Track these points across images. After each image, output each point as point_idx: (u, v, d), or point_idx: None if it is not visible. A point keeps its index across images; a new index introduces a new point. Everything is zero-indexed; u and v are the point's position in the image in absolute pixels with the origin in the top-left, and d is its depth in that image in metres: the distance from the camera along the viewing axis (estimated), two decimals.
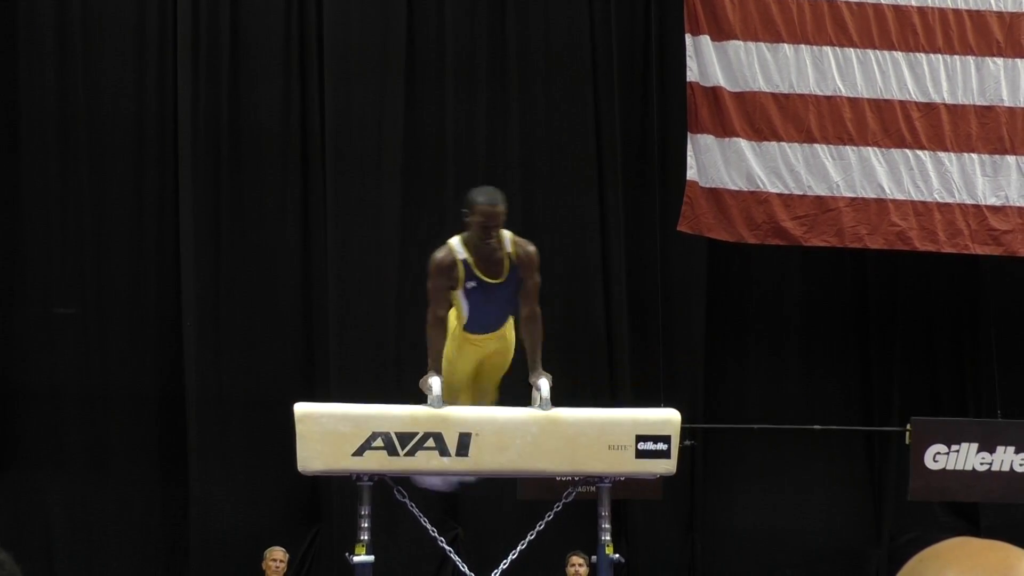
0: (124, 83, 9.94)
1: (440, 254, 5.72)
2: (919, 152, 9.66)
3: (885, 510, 10.65)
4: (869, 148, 9.62)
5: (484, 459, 5.17)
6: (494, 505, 9.72)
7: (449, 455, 5.10)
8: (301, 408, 5.13)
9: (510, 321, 5.88)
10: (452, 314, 5.77)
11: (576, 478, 5.70)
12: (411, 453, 5.07)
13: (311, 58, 10.11)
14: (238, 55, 10.07)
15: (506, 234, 5.71)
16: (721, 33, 9.58)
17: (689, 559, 10.42)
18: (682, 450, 5.79)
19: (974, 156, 9.71)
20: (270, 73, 10.12)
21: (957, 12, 9.79)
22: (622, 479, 5.65)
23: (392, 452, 5.06)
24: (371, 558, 5.24)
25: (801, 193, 9.57)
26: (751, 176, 9.53)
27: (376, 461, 5.07)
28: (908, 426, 9.83)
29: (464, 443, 5.10)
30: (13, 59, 9.79)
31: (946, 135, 9.69)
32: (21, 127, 9.80)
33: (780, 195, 9.56)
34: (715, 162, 9.53)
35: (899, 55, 9.70)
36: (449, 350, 5.68)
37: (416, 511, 5.42)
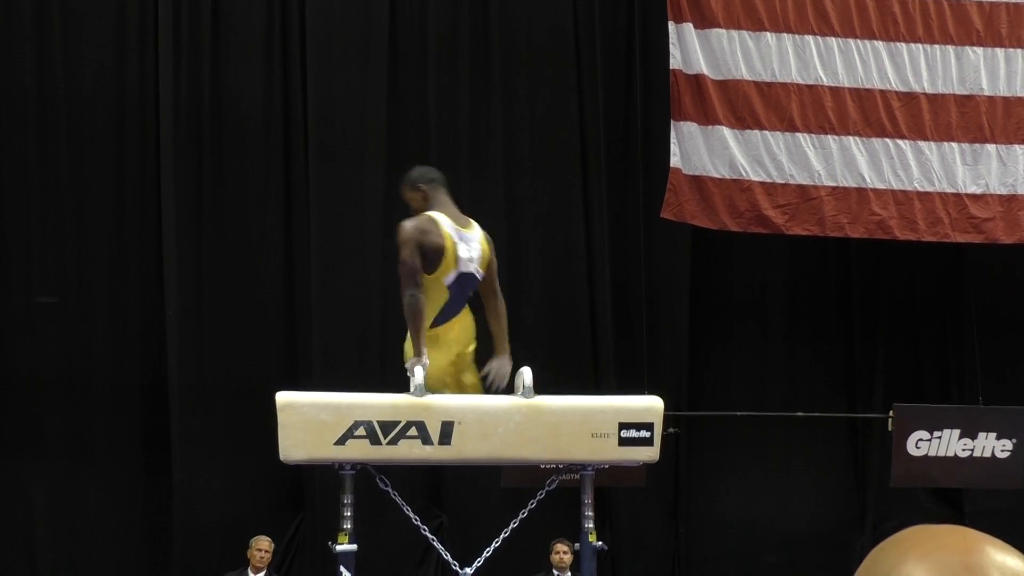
0: (104, 69, 9.89)
1: None
2: (899, 141, 9.69)
3: (869, 497, 10.70)
4: (850, 137, 9.65)
5: (467, 447, 5.16)
6: (478, 493, 9.73)
7: (432, 443, 5.10)
8: (282, 397, 5.11)
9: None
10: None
11: (559, 466, 5.70)
12: (393, 442, 5.06)
13: (293, 44, 10.08)
14: (219, 40, 10.04)
15: None
16: (704, 21, 9.59)
17: (673, 546, 10.45)
18: (665, 438, 5.79)
19: (954, 145, 9.75)
20: (252, 59, 10.09)
21: (937, 2, 9.81)
22: (605, 467, 5.65)
23: (374, 441, 5.04)
24: (354, 547, 5.23)
25: (783, 182, 9.60)
26: (734, 164, 9.56)
27: (358, 450, 5.06)
28: (891, 412, 9.88)
29: (447, 431, 5.09)
30: None
31: (926, 124, 9.72)
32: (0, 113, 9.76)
33: (762, 183, 9.59)
34: (698, 150, 9.55)
35: (880, 44, 9.72)
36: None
37: (399, 500, 5.42)
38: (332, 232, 10.01)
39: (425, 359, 5.28)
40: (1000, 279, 10.78)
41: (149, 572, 9.74)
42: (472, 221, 5.47)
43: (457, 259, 5.34)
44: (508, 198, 10.34)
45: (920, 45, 9.75)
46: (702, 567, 10.45)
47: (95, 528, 9.62)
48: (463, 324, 5.52)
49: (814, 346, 10.85)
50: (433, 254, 5.30)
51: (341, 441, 5.03)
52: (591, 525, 5.49)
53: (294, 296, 10.04)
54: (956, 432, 9.78)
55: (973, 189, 9.75)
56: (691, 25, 9.57)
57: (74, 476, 9.60)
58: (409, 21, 10.33)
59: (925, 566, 1.19)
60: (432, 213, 5.39)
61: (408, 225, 5.31)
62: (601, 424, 5.27)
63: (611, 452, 5.30)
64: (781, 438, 10.58)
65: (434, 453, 5.16)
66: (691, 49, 9.56)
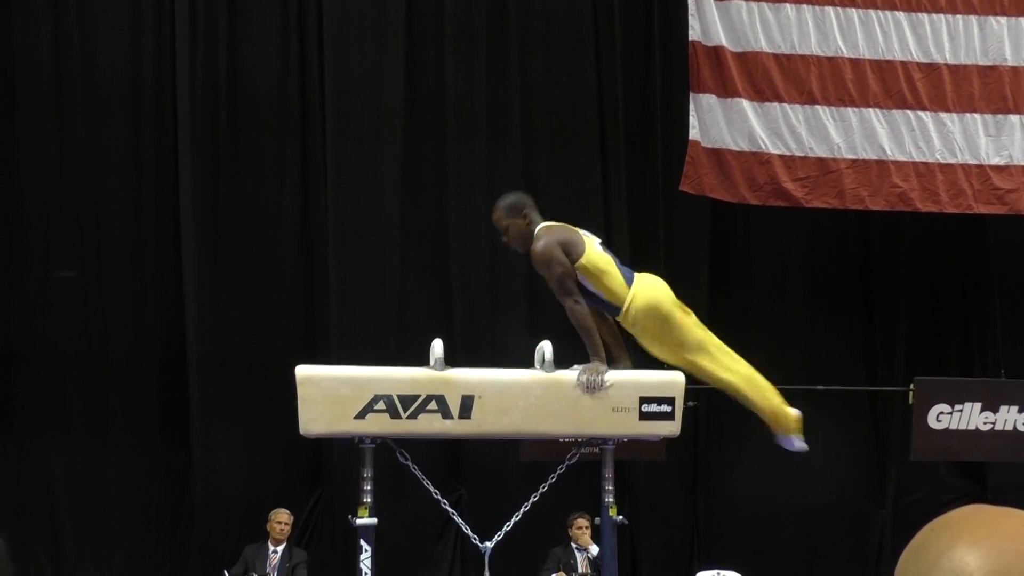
0: (121, 45, 9.88)
1: None
2: (921, 113, 9.61)
3: (890, 471, 10.65)
4: (870, 109, 9.57)
5: (487, 421, 5.16)
6: (498, 466, 9.73)
7: (452, 418, 5.09)
8: (302, 371, 5.12)
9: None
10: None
11: (579, 439, 5.69)
12: (413, 416, 5.05)
13: (310, 20, 10.05)
14: (236, 16, 10.00)
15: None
16: None
17: (692, 520, 10.44)
18: (685, 411, 5.78)
19: (977, 116, 9.66)
20: (269, 34, 10.06)
21: None
22: (626, 440, 5.64)
23: (394, 415, 5.04)
24: (374, 520, 5.24)
25: (803, 154, 9.54)
26: (753, 137, 9.50)
27: (378, 424, 5.06)
28: (911, 386, 9.83)
29: (467, 405, 5.09)
30: (7, 22, 9.73)
31: (948, 95, 9.64)
32: (17, 91, 9.75)
33: (782, 156, 9.53)
34: (717, 122, 9.49)
35: (901, 15, 9.63)
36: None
37: (419, 474, 5.41)
38: (349, 208, 9.99)
39: (603, 364, 5.27)
40: (1023, 252, 10.70)
41: (170, 545, 9.79)
42: None
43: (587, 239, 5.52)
44: (526, 172, 10.29)
45: (942, 15, 9.66)
46: (721, 541, 10.43)
47: (115, 502, 9.66)
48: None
49: (834, 319, 10.80)
50: (575, 246, 5.46)
51: (361, 415, 5.03)
52: (611, 499, 5.49)
53: (312, 271, 10.04)
54: (978, 405, 9.73)
55: (996, 160, 9.67)
56: None
57: (94, 451, 9.63)
58: None
59: (978, 552, 1.16)
60: (546, 223, 5.57)
61: (544, 243, 5.43)
62: (622, 398, 5.26)
63: (632, 426, 5.30)
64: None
65: (454, 427, 5.16)
66: (710, 20, 9.49)
